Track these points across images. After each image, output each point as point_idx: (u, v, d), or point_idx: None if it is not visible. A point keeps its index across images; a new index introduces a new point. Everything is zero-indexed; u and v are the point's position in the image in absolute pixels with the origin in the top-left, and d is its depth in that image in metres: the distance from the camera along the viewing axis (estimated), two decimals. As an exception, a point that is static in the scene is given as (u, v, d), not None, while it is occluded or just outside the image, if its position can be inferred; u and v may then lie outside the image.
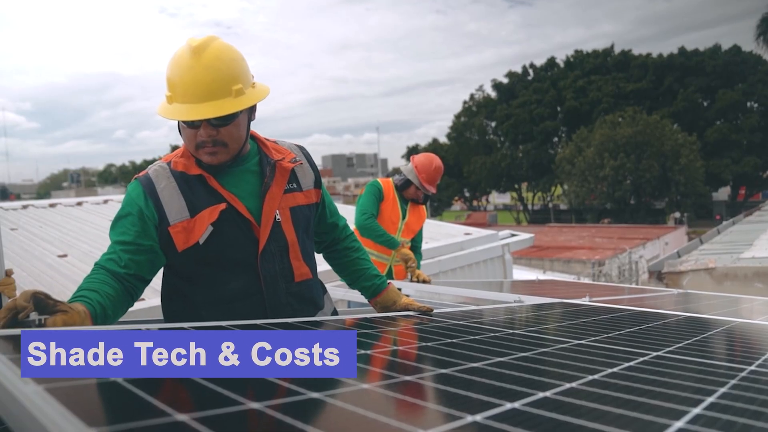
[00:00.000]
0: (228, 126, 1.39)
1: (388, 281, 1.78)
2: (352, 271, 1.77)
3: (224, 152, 1.42)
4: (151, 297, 3.60)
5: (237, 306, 1.46)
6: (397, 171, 3.52)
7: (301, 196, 1.56)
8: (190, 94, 1.34)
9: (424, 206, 3.61)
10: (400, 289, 1.96)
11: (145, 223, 1.40)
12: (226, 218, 1.42)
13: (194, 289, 1.48)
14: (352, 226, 2.18)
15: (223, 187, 1.44)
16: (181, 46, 1.40)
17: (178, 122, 1.41)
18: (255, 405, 0.57)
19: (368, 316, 1.48)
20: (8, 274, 2.21)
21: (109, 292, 1.30)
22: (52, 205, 7.06)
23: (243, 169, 1.50)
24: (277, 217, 1.49)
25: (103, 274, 1.35)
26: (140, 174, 1.48)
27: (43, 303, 1.07)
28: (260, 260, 1.46)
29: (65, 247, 4.98)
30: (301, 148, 1.67)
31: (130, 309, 3.99)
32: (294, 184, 1.56)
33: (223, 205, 1.42)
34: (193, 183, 1.44)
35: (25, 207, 6.86)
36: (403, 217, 3.42)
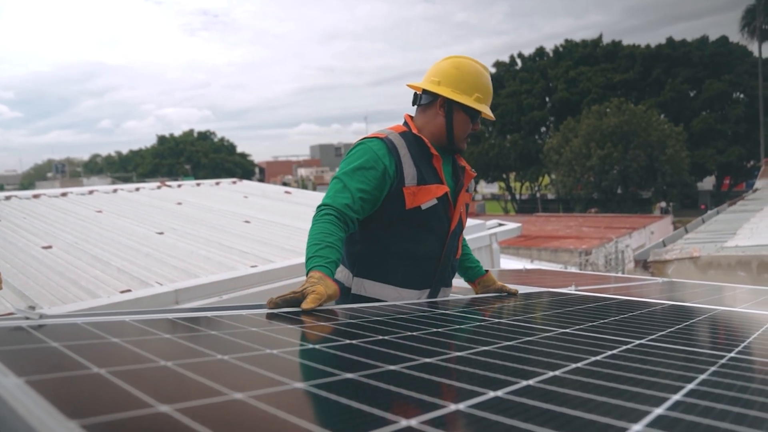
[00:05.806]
0: None
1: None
2: (460, 259, 2.09)
3: None
4: (138, 288, 3.57)
5: (420, 264, 1.83)
6: None
7: (468, 198, 2.00)
8: (491, 100, 1.91)
9: None
10: None
11: (384, 180, 1.73)
12: (442, 197, 1.81)
13: (393, 242, 1.80)
14: None
15: (442, 172, 1.83)
16: (471, 62, 1.87)
17: (451, 115, 1.83)
18: (238, 395, 0.57)
19: (363, 305, 1.48)
20: (-8, 265, 2.18)
21: (339, 246, 1.59)
22: (36, 196, 6.97)
23: (447, 161, 1.93)
24: (461, 208, 1.92)
25: (337, 224, 1.63)
26: (379, 135, 1.80)
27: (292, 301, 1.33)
28: (450, 236, 1.87)
29: (50, 238, 4.92)
30: None
31: (120, 300, 3.90)
32: (468, 188, 1.99)
33: (446, 188, 1.82)
34: (421, 158, 1.80)
35: (8, 198, 6.76)
36: None
